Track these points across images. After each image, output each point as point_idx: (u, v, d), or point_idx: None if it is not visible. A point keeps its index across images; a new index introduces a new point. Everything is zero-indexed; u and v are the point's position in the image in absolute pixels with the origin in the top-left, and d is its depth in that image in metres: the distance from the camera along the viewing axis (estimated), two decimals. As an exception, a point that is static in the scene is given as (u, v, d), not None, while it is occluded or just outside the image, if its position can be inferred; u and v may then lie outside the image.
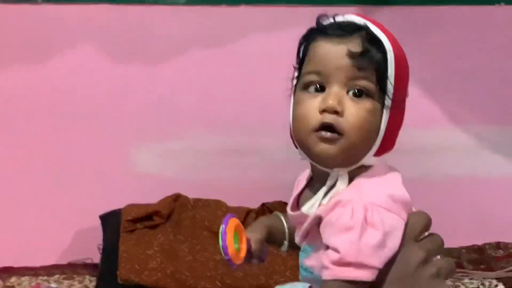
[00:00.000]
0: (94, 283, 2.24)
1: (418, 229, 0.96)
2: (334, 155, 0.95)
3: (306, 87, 0.98)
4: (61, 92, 2.55)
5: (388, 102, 0.96)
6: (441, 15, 2.62)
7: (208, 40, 2.57)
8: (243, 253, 1.12)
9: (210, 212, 2.35)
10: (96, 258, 2.38)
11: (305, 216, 1.00)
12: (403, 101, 1.00)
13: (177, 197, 2.38)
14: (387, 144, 0.99)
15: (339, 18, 1.00)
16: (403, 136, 2.51)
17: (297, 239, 1.06)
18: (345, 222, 0.92)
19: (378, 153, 0.98)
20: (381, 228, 0.92)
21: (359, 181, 0.98)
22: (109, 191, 2.51)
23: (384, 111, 0.97)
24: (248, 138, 2.44)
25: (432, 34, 2.63)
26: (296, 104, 1.00)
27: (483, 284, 2.27)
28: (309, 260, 1.02)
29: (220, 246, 1.09)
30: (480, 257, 2.48)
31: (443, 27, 2.62)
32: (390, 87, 0.96)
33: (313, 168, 1.03)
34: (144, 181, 2.56)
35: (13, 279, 2.34)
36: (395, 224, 0.94)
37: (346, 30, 0.97)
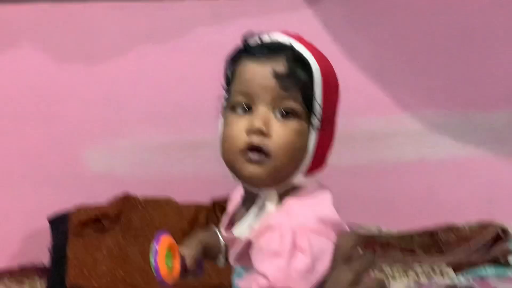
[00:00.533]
0: (45, 287, 2.21)
1: (347, 250, 0.97)
2: (261, 176, 0.96)
3: (233, 108, 0.99)
4: (5, 93, 2.52)
5: (316, 122, 0.97)
6: (386, 1, 2.64)
7: (152, 35, 2.56)
8: (176, 272, 1.12)
9: (160, 211, 2.35)
10: (47, 260, 2.33)
11: (236, 239, 1.01)
12: (333, 120, 1.01)
13: (126, 197, 2.37)
14: (317, 164, 1.00)
15: (265, 38, 1.00)
16: (352, 123, 2.50)
17: (230, 260, 1.06)
18: (273, 248, 0.93)
19: (308, 173, 1.00)
20: (310, 252, 0.92)
21: (288, 203, 0.99)
22: (58, 192, 2.48)
23: (312, 131, 0.98)
24: (198, 133, 2.42)
25: (378, 21, 2.65)
26: (224, 125, 1.01)
27: (433, 270, 2.28)
28: (243, 282, 1.03)
29: (152, 266, 1.09)
30: (431, 242, 2.51)
31: (389, 14, 2.65)
32: (317, 107, 0.97)
33: (244, 188, 1.04)
34: (94, 180, 2.54)
35: None
36: (324, 247, 0.95)
37: (272, 50, 0.98)
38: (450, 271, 2.25)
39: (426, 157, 2.72)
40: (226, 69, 1.05)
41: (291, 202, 0.99)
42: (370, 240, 2.51)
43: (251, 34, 1.03)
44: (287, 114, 0.97)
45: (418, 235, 2.57)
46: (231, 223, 1.08)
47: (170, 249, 1.13)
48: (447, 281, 2.21)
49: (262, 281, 0.92)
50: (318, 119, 0.97)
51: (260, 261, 0.95)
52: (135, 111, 2.58)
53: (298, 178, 0.99)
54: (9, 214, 2.50)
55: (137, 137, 2.58)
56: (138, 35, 2.56)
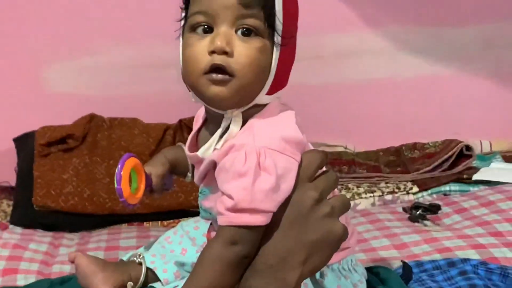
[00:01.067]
0: (12, 208, 2.22)
1: (311, 169, 0.99)
2: (226, 97, 0.96)
3: (193, 28, 0.97)
4: None
5: (278, 39, 0.97)
6: None
7: None
8: (140, 193, 1.16)
9: (126, 131, 2.34)
10: (14, 181, 2.36)
11: (200, 159, 1.03)
12: (294, 37, 1.01)
13: (91, 118, 2.35)
14: (280, 82, 1.00)
15: None
16: (320, 41, 2.48)
17: (195, 180, 1.08)
18: (238, 168, 0.94)
19: (271, 91, 1.00)
20: (274, 172, 0.94)
21: (252, 123, 1.00)
22: (22, 112, 2.48)
23: (275, 48, 0.97)
24: (164, 51, 2.28)
25: None
26: (184, 47, 0.99)
27: (398, 187, 2.30)
28: (208, 202, 1.06)
29: (115, 188, 1.11)
30: (396, 159, 2.55)
31: None
32: (278, 24, 0.96)
33: (207, 110, 1.05)
34: (58, 100, 2.52)
35: None
36: (289, 166, 0.96)
37: None
38: (415, 188, 2.28)
39: (394, 75, 2.73)
40: None
41: (254, 122, 0.99)
42: (336, 158, 2.53)
43: None
44: (249, 32, 0.96)
45: (384, 153, 2.62)
46: (196, 144, 1.09)
47: (136, 170, 1.16)
48: (411, 198, 2.24)
49: (227, 201, 0.93)
50: (280, 35, 0.97)
51: (225, 181, 0.96)
52: (100, 28, 2.52)
53: (262, 97, 1.00)
54: None
55: (103, 55, 2.55)
56: None
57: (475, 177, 2.29)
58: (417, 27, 2.70)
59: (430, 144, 2.57)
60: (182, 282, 1.07)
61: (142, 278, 1.21)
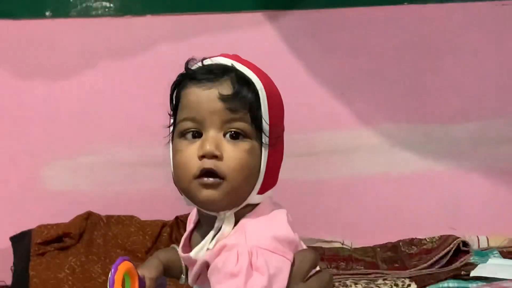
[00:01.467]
0: None
1: (304, 269, 0.98)
2: (218, 200, 0.95)
3: (182, 134, 0.98)
4: None
5: (265, 140, 0.97)
6: (346, 17, 2.66)
7: (115, 52, 2.57)
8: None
9: (123, 229, 2.34)
10: (10, 280, 2.32)
11: (194, 260, 1.00)
12: (281, 137, 1.01)
13: (88, 215, 2.35)
14: (270, 181, 1.00)
15: (207, 62, 0.99)
16: (314, 138, 2.51)
17: (189, 281, 1.06)
18: (230, 269, 0.92)
19: (262, 191, 0.99)
20: (266, 271, 0.92)
21: (244, 223, 0.98)
22: (20, 210, 2.45)
23: (263, 149, 0.98)
24: (160, 150, 2.40)
25: (337, 35, 2.66)
26: (175, 152, 0.99)
27: (396, 284, 2.26)
28: None
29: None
30: (394, 255, 2.49)
31: (348, 28, 2.66)
32: (265, 125, 0.97)
33: (199, 212, 1.03)
34: (56, 198, 2.50)
35: None
36: (281, 265, 0.94)
37: (215, 73, 0.97)
38: (413, 284, 2.25)
39: (388, 171, 2.73)
40: (171, 96, 1.03)
41: (246, 222, 0.98)
42: (334, 254, 2.50)
43: (193, 59, 1.00)
44: (237, 135, 0.96)
45: (381, 249, 2.57)
46: (189, 245, 1.07)
47: (129, 274, 1.09)
48: None
49: None
50: (267, 136, 0.97)
51: (217, 282, 0.94)
52: (99, 128, 2.54)
53: (253, 197, 0.99)
54: None
55: (99, 154, 2.55)
56: (101, 51, 2.54)
57: (473, 273, 2.25)
58: (409, 124, 2.71)
59: (427, 240, 2.51)
60: None
61: None
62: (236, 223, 0.99)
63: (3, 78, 2.52)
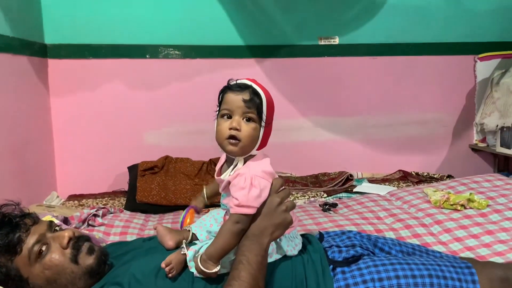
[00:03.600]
0: (125, 202, 2.23)
1: (277, 187, 1.00)
2: (236, 151, 0.98)
3: (222, 116, 0.99)
4: (106, 108, 2.52)
5: (263, 124, 0.99)
6: (297, 62, 2.64)
7: (179, 77, 2.57)
8: (189, 223, 1.17)
9: (183, 164, 2.36)
10: (126, 188, 2.36)
11: (222, 180, 1.03)
12: (271, 123, 1.01)
13: (166, 157, 2.39)
14: (263, 144, 1.02)
15: (238, 81, 1.01)
16: (281, 122, 2.61)
17: (220, 189, 1.06)
18: (241, 185, 0.96)
19: (258, 149, 1.01)
20: (259, 187, 0.96)
21: (248, 163, 1.01)
22: (131, 155, 2.49)
23: (261, 128, 0.99)
24: (202, 125, 2.45)
25: (293, 72, 2.66)
26: (217, 124, 1.00)
27: (316, 194, 2.31)
28: (225, 201, 1.05)
29: (180, 221, 1.17)
30: (315, 180, 2.57)
31: (298, 68, 2.66)
32: (264, 116, 0.99)
33: (227, 156, 1.05)
34: (149, 149, 2.54)
35: (83, 201, 2.30)
36: (266, 184, 0.99)
37: (242, 87, 0.99)
38: (325, 195, 2.32)
39: (314, 139, 2.73)
40: (219, 96, 1.03)
41: (250, 163, 1.01)
42: (287, 179, 2.57)
43: (231, 79, 1.02)
44: (249, 119, 0.98)
45: (310, 177, 2.65)
46: (220, 173, 1.08)
47: (192, 212, 1.20)
48: (323, 199, 2.24)
49: (235, 201, 0.96)
50: (264, 122, 0.99)
51: (234, 191, 0.98)
52: (173, 115, 2.58)
53: (254, 151, 1.01)
54: (106, 164, 2.53)
55: (172, 127, 2.58)
56: (169, 77, 2.55)
57: (355, 190, 2.33)
58: (326, 116, 2.69)
59: (332, 173, 2.61)
60: (208, 241, 1.04)
61: (189, 237, 1.13)
62: (244, 162, 1.02)
63: (123, 91, 2.53)
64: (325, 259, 1.11)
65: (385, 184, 2.45)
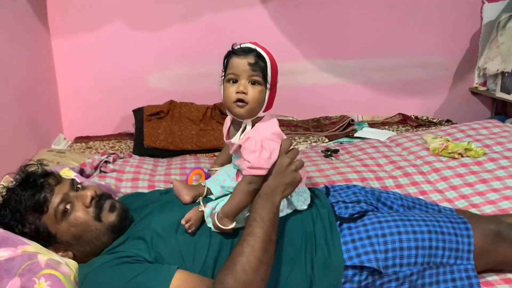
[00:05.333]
0: (133, 146, 2.23)
1: (286, 148, 1.03)
2: (243, 113, 1.00)
3: (228, 80, 1.00)
4: (108, 51, 2.47)
5: (268, 86, 1.00)
6: (303, 3, 2.55)
7: (180, 18, 2.49)
8: (197, 182, 1.19)
9: (188, 109, 2.36)
10: (133, 130, 2.36)
11: (233, 143, 1.04)
12: (276, 85, 1.02)
13: (171, 101, 2.38)
14: (269, 106, 1.02)
15: (242, 45, 1.01)
16: (284, 65, 2.62)
17: (231, 151, 1.09)
18: (252, 148, 0.99)
19: (265, 110, 1.02)
20: (269, 149, 0.99)
21: (257, 126, 1.02)
22: (135, 98, 2.46)
23: (267, 91, 1.00)
24: (207, 68, 2.32)
25: (299, 11, 2.57)
26: (224, 89, 1.01)
27: (318, 139, 2.33)
28: (236, 161, 1.07)
29: (185, 178, 1.20)
30: (317, 124, 2.56)
31: (304, 9, 2.58)
32: (269, 79, 0.99)
33: (234, 118, 1.06)
34: (154, 92, 2.52)
35: (90, 143, 2.31)
36: (275, 146, 1.01)
37: (246, 51, 0.99)
38: (326, 139, 2.33)
39: (315, 83, 2.71)
40: (224, 61, 1.03)
41: (258, 125, 1.03)
42: (288, 123, 2.55)
43: (235, 43, 1.02)
44: (254, 83, 0.99)
45: (311, 121, 2.64)
46: (228, 135, 1.09)
47: (200, 175, 1.23)
48: (324, 144, 2.25)
49: (247, 163, 0.99)
50: (269, 84, 1.00)
51: (246, 154, 1.00)
52: (175, 57, 2.53)
53: (260, 113, 1.02)
54: (110, 106, 2.52)
55: (176, 69, 2.55)
56: (173, 16, 2.47)
57: (356, 134, 2.33)
58: (326, 59, 2.67)
59: (333, 117, 2.61)
60: (223, 198, 1.07)
61: (205, 192, 1.15)
62: (253, 125, 1.03)
63: (123, 29, 2.46)
64: (332, 214, 1.15)
65: (384, 128, 2.45)
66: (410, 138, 2.12)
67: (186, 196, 1.14)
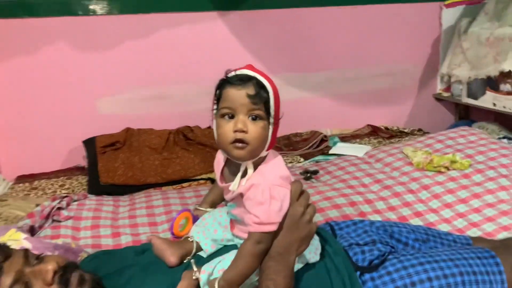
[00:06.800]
0: (87, 184, 2.01)
1: (297, 193, 0.92)
2: (243, 156, 0.88)
3: (222, 116, 0.88)
4: (49, 75, 2.23)
5: (272, 121, 0.89)
6: (263, 15, 2.47)
7: (135, 37, 2.30)
8: (184, 232, 1.05)
9: (147, 136, 2.20)
10: (84, 164, 2.19)
11: (231, 190, 0.92)
12: (279, 119, 0.92)
13: (127, 129, 2.22)
14: (272, 143, 0.92)
15: (238, 72, 0.89)
16: None
17: (226, 198, 0.97)
18: (259, 199, 0.87)
19: (267, 149, 0.91)
20: (279, 198, 0.88)
21: (261, 169, 0.91)
22: (83, 127, 2.27)
23: (270, 126, 0.89)
24: (165, 89, 2.30)
25: (260, 27, 2.48)
26: (218, 127, 0.89)
27: (293, 159, 2.24)
28: (235, 211, 0.96)
29: (169, 226, 1.07)
30: (288, 142, 2.49)
31: (265, 23, 2.48)
32: (272, 112, 0.89)
33: (230, 160, 0.94)
34: (106, 119, 2.33)
35: (35, 183, 2.08)
36: (285, 193, 0.90)
37: (244, 80, 0.87)
38: (301, 159, 2.24)
39: (282, 98, 2.52)
40: (215, 92, 0.90)
41: (262, 168, 0.91)
42: None
43: (229, 70, 0.90)
44: (256, 118, 0.88)
45: (282, 138, 2.54)
46: (223, 177, 0.97)
47: (188, 218, 1.08)
48: (300, 165, 2.16)
49: (255, 218, 0.87)
50: (273, 119, 0.90)
51: (252, 207, 0.88)
52: (127, 79, 2.34)
53: (263, 153, 0.91)
54: (56, 138, 2.30)
55: (129, 93, 2.36)
56: (123, 34, 2.29)
57: (331, 151, 2.26)
58: (294, 73, 2.59)
59: (303, 133, 2.54)
60: (221, 258, 0.94)
61: (193, 249, 1.01)
62: (255, 166, 0.91)
63: (66, 51, 2.24)
64: (349, 263, 1.03)
65: (356, 142, 2.41)
66: (389, 152, 2.07)
67: (171, 257, 0.98)
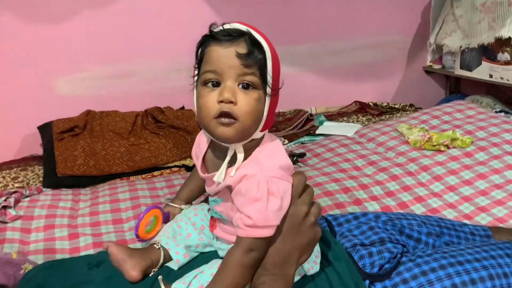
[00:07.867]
0: (43, 176, 1.79)
1: (300, 188, 0.77)
2: (230, 135, 0.73)
3: (205, 83, 0.73)
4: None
5: (269, 91, 0.73)
6: None
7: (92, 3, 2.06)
8: (152, 234, 0.91)
9: (111, 119, 1.98)
10: (40, 152, 1.96)
11: (215, 182, 0.77)
12: (278, 89, 0.77)
13: (88, 112, 1.99)
14: (269, 122, 0.77)
15: (227, 26, 0.74)
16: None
17: (209, 191, 0.82)
18: (253, 195, 0.72)
19: (263, 129, 0.76)
20: (279, 194, 0.73)
21: (256, 156, 0.75)
22: (39, 110, 2.03)
23: (267, 98, 0.74)
24: (130, 66, 2.09)
25: None
26: (198, 97, 0.74)
27: None
28: (219, 207, 0.81)
29: (135, 225, 0.90)
30: None
31: None
32: (270, 79, 0.73)
33: (214, 142, 0.79)
34: (65, 100, 2.10)
35: None
36: (286, 188, 0.75)
37: (233, 35, 0.72)
38: (285, 141, 2.09)
39: None
40: (196, 53, 0.75)
41: (258, 155, 0.75)
42: None
43: (214, 24, 0.75)
44: (248, 86, 0.72)
45: None
46: (204, 165, 0.82)
47: (156, 216, 0.92)
48: (285, 147, 2.03)
49: (247, 220, 0.72)
50: (271, 88, 0.74)
51: (243, 204, 0.73)
52: (87, 54, 2.11)
53: (257, 134, 0.75)
54: (8, 124, 2.06)
55: (89, 70, 2.13)
56: (80, 2, 2.05)
57: (318, 131, 2.11)
58: (280, 45, 2.46)
59: (286, 112, 2.38)
60: (197, 272, 0.79)
61: (161, 259, 0.86)
62: (245, 152, 0.76)
63: (13, 23, 1.97)
64: (355, 270, 0.86)
65: (343, 120, 2.29)
66: (381, 130, 1.95)
67: (132, 271, 0.82)
